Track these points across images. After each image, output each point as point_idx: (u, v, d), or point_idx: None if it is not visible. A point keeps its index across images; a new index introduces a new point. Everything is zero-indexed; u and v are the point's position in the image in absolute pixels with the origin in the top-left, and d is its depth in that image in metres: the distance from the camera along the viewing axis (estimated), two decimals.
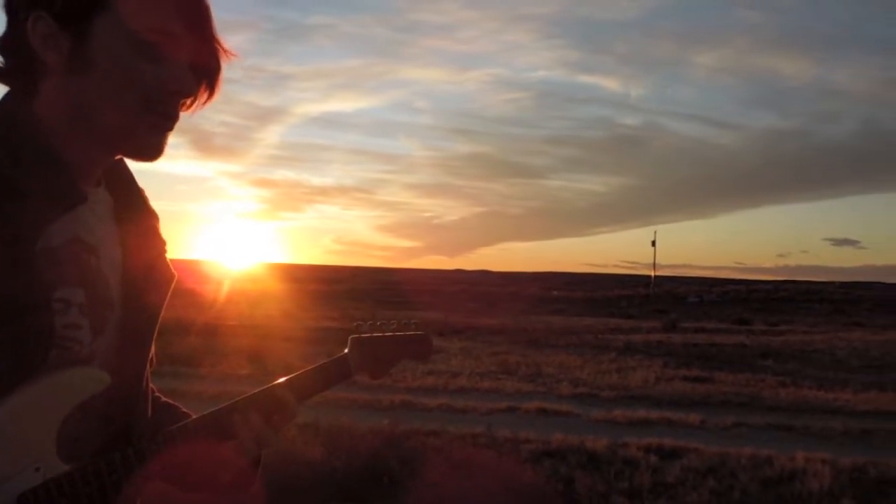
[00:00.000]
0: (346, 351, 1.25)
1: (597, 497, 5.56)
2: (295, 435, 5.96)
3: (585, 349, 16.75)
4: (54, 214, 0.95)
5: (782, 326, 27.39)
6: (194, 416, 1.12)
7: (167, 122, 1.02)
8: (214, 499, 1.12)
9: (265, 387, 1.15)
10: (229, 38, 1.06)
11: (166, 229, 1.16)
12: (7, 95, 1.00)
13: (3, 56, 0.99)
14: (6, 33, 0.99)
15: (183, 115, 1.05)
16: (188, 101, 1.06)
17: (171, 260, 1.15)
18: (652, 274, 60.96)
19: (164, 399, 1.23)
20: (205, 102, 1.09)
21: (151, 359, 1.15)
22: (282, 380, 1.17)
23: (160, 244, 1.13)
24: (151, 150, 1.02)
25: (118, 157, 1.07)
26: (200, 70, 1.04)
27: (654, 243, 62.20)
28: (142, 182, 1.14)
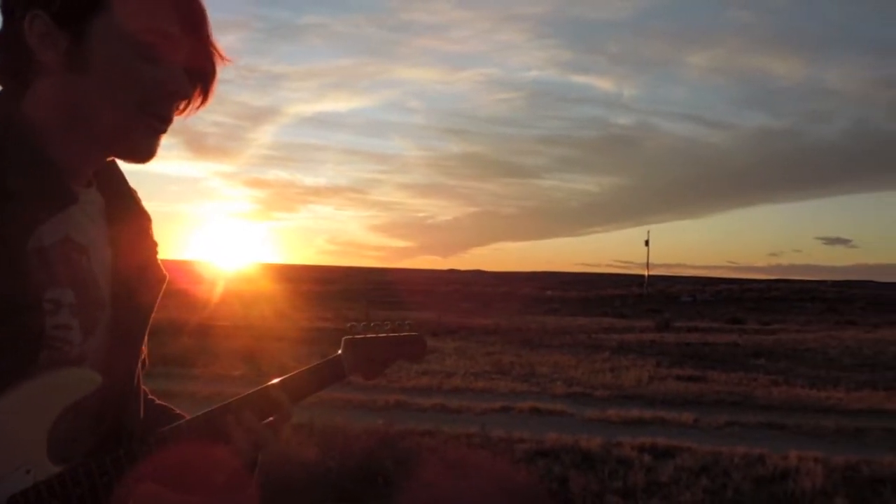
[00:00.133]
0: (339, 352, 1.25)
1: (591, 496, 5.57)
2: (289, 435, 5.95)
3: (579, 349, 16.77)
4: (45, 215, 0.94)
5: (775, 325, 27.47)
6: (187, 418, 1.11)
7: (162, 124, 1.02)
8: (208, 500, 1.11)
9: (259, 388, 1.15)
10: (222, 37, 1.06)
11: (159, 230, 1.15)
12: None
13: None
14: (1, 31, 0.98)
15: (175, 116, 1.05)
16: (182, 105, 1.05)
17: (163, 260, 1.15)
18: (645, 273, 61.20)
19: (157, 401, 1.22)
20: (198, 107, 1.09)
21: (144, 360, 1.15)
22: (275, 381, 1.16)
23: (152, 245, 1.13)
24: (144, 152, 1.02)
25: (110, 158, 1.06)
26: (196, 73, 1.04)
27: (647, 243, 62.49)
28: (134, 182, 1.14)
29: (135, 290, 1.06)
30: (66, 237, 0.98)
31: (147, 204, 1.15)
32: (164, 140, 1.03)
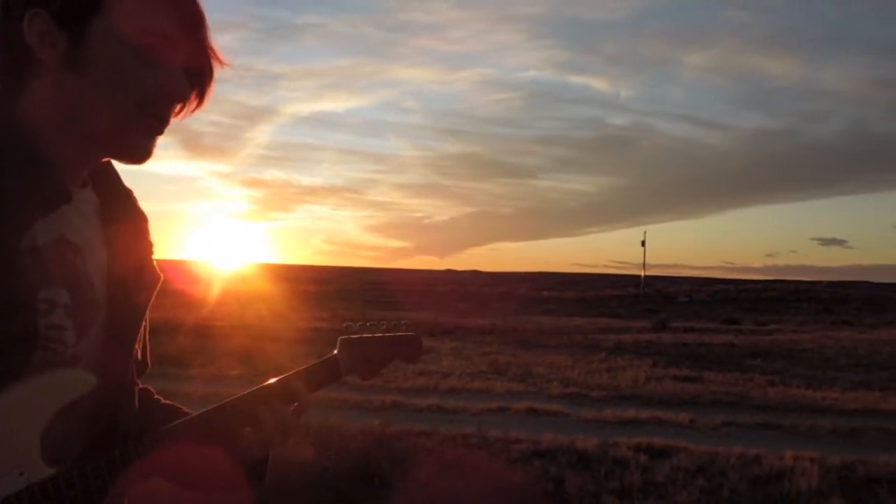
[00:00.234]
0: (335, 352, 1.24)
1: (587, 497, 5.57)
2: None
3: (575, 349, 16.78)
4: (38, 214, 0.94)
5: (771, 326, 27.52)
6: (184, 419, 1.11)
7: (159, 125, 1.02)
8: (206, 499, 1.11)
9: (261, 385, 1.15)
10: (219, 37, 1.06)
11: (155, 230, 1.15)
12: None
13: None
14: (0, 30, 0.98)
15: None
16: (178, 107, 1.05)
17: (160, 260, 1.15)
18: (642, 274, 61.15)
19: (164, 401, 1.22)
20: (193, 110, 1.09)
21: (145, 362, 1.15)
22: (272, 381, 1.16)
23: (147, 246, 1.13)
24: (141, 153, 1.02)
25: (106, 158, 1.06)
26: (193, 75, 1.05)
27: (643, 243, 62.49)
28: (130, 182, 1.14)
29: (130, 290, 1.06)
30: (61, 237, 0.97)
31: (143, 203, 1.15)
32: (161, 139, 1.03)
